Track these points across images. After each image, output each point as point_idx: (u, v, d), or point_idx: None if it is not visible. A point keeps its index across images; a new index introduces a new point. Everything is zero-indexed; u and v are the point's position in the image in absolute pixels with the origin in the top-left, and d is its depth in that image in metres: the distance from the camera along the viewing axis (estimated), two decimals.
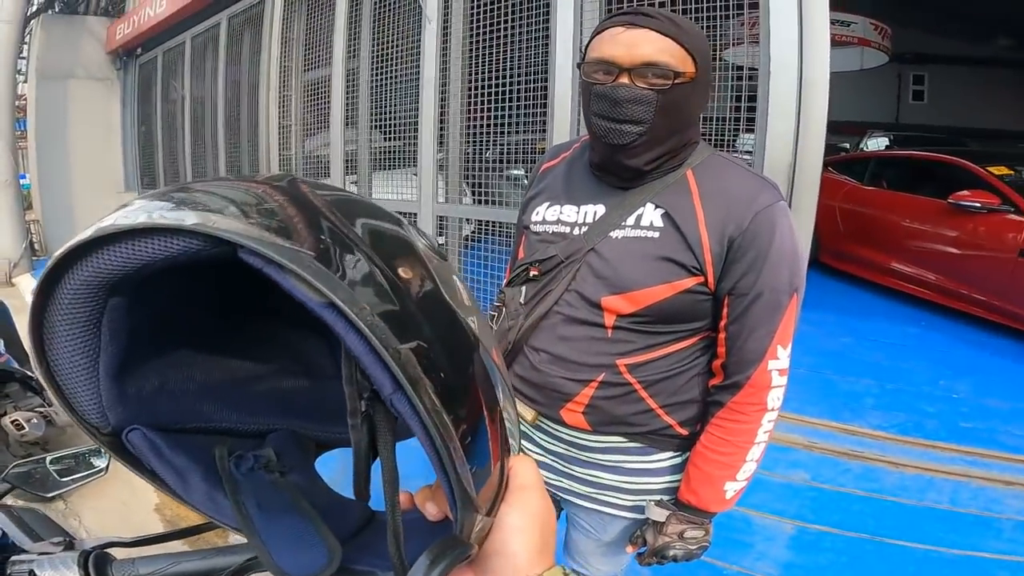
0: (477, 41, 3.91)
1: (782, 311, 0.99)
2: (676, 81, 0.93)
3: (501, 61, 3.80)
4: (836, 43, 2.70)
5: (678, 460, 1.15)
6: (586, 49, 1.01)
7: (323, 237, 0.30)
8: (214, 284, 0.41)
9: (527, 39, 3.66)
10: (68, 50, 8.69)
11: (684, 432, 1.11)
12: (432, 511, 0.41)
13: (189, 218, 0.28)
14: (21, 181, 8.17)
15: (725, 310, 1.01)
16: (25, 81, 9.11)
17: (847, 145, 8.98)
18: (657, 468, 1.15)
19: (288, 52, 5.67)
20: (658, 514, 1.12)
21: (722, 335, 1.03)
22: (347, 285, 0.28)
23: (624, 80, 0.93)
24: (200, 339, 0.44)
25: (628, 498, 1.16)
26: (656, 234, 1.00)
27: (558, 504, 1.41)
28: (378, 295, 0.30)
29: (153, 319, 0.38)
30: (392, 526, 0.36)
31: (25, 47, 8.60)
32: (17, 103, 8.34)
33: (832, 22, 2.69)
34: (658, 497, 1.15)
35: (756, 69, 2.77)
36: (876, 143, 8.99)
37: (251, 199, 0.32)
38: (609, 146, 0.98)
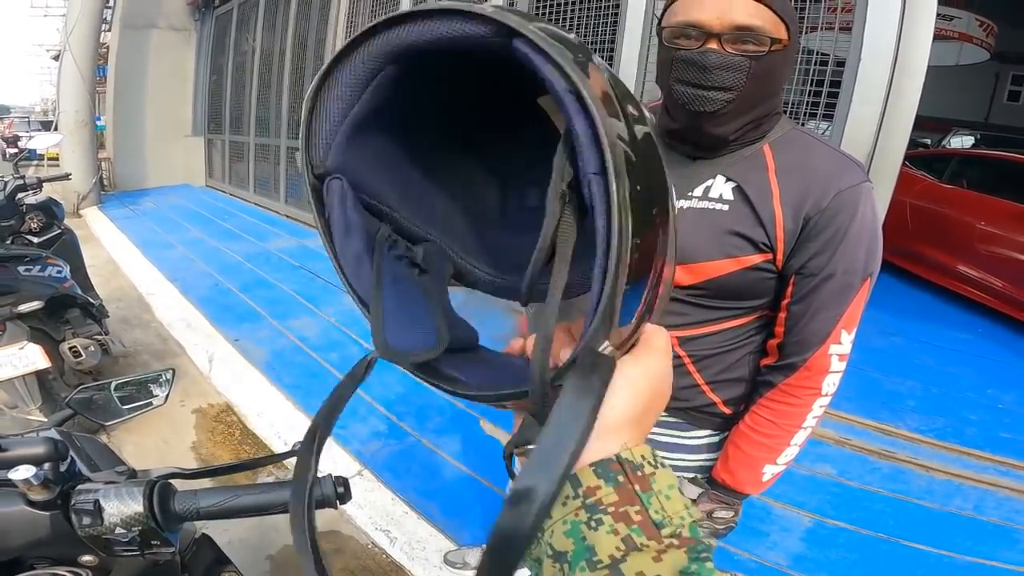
0: (542, 4, 3.86)
1: (852, 294, 0.94)
2: (772, 48, 0.85)
3: (568, 25, 3.75)
4: (935, 37, 2.61)
5: (715, 439, 1.12)
6: (664, 12, 0.93)
7: (578, 54, 0.35)
8: (445, 103, 0.49)
9: (596, 6, 3.60)
10: (152, 1, 9.00)
11: (727, 411, 1.09)
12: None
13: (487, 9, 0.34)
14: (96, 122, 8.57)
15: (790, 288, 0.96)
16: (109, 30, 9.47)
17: (928, 141, 8.58)
18: (693, 445, 1.13)
19: (356, 7, 5.70)
20: (691, 491, 1.11)
21: (782, 314, 0.98)
22: (589, 85, 0.32)
23: (713, 45, 0.86)
24: (415, 140, 0.50)
25: None
26: (725, 207, 0.95)
27: None
28: (607, 103, 0.33)
29: (398, 103, 0.45)
30: (544, 331, 0.35)
31: None
32: (100, 51, 8.71)
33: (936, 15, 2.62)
34: (691, 475, 1.13)
35: (828, 55, 2.73)
36: (961, 141, 8.53)
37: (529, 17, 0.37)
38: (693, 113, 0.90)
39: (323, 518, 2.22)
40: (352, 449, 2.58)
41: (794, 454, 1.04)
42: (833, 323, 0.94)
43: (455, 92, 0.48)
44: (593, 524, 0.31)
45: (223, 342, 3.69)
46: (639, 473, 0.32)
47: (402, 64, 0.41)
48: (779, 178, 0.93)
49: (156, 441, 2.73)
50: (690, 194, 0.97)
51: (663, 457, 1.10)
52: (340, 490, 0.79)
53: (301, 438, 0.89)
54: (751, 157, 0.95)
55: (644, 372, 0.36)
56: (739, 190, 0.94)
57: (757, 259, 0.95)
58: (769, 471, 1.04)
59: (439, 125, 0.51)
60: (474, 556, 1.93)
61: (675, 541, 0.30)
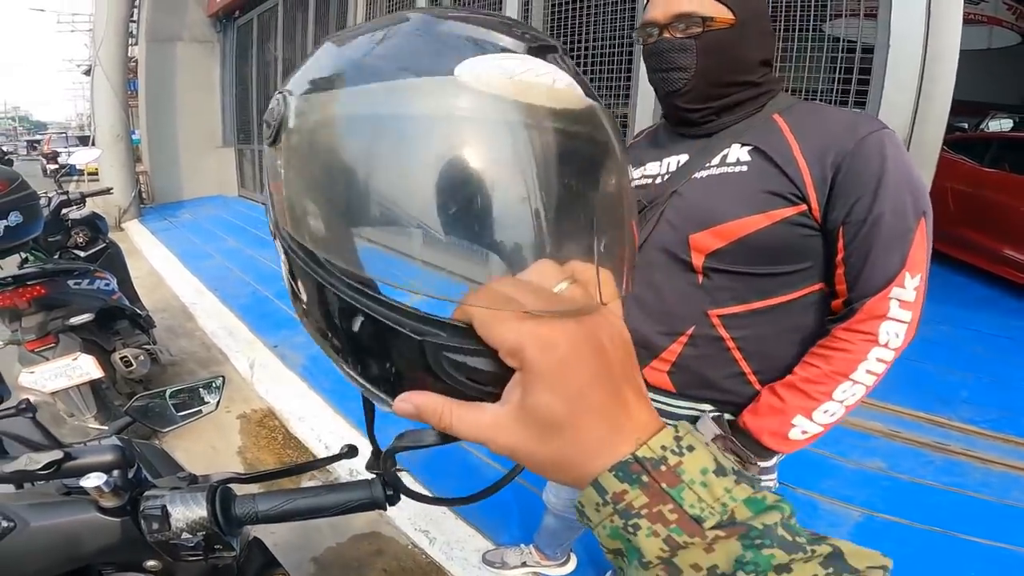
0: (561, 4, 3.85)
1: (910, 235, 0.90)
2: (708, 27, 0.96)
3: (583, 26, 3.74)
4: (963, 21, 2.54)
5: None
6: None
7: None
8: None
9: (611, 4, 3.57)
10: (174, 14, 9.27)
11: None
12: None
13: None
14: (132, 136, 8.82)
15: (840, 241, 0.94)
16: (136, 44, 9.73)
17: (965, 125, 8.35)
18: None
19: (373, 13, 5.76)
20: (707, 429, 1.01)
21: (840, 270, 0.95)
22: None
23: (665, 35, 1.00)
24: None
25: None
26: (744, 168, 0.98)
27: None
28: None
29: None
30: None
31: (135, 11, 9.17)
32: (129, 65, 8.95)
33: None
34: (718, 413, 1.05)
35: (855, 41, 2.69)
36: (999, 125, 8.29)
37: None
38: (665, 94, 1.04)
39: (363, 520, 2.25)
40: None
41: (836, 412, 0.95)
42: (897, 265, 0.91)
43: None
44: (631, 529, 0.29)
45: (263, 348, 3.77)
46: (662, 468, 0.29)
47: None
48: (796, 135, 0.96)
49: (204, 447, 2.79)
50: (707, 164, 1.02)
51: None
52: (390, 492, 0.80)
53: (344, 442, 0.89)
54: (762, 124, 1.00)
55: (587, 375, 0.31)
56: (756, 151, 0.98)
57: (789, 212, 0.94)
58: (800, 426, 0.95)
59: None
60: (512, 556, 1.93)
61: (721, 532, 0.28)
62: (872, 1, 2.67)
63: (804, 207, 0.94)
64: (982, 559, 1.93)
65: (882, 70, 2.60)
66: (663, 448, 0.30)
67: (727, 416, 1.05)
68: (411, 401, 0.35)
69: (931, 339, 3.50)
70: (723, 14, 0.96)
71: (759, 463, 1.01)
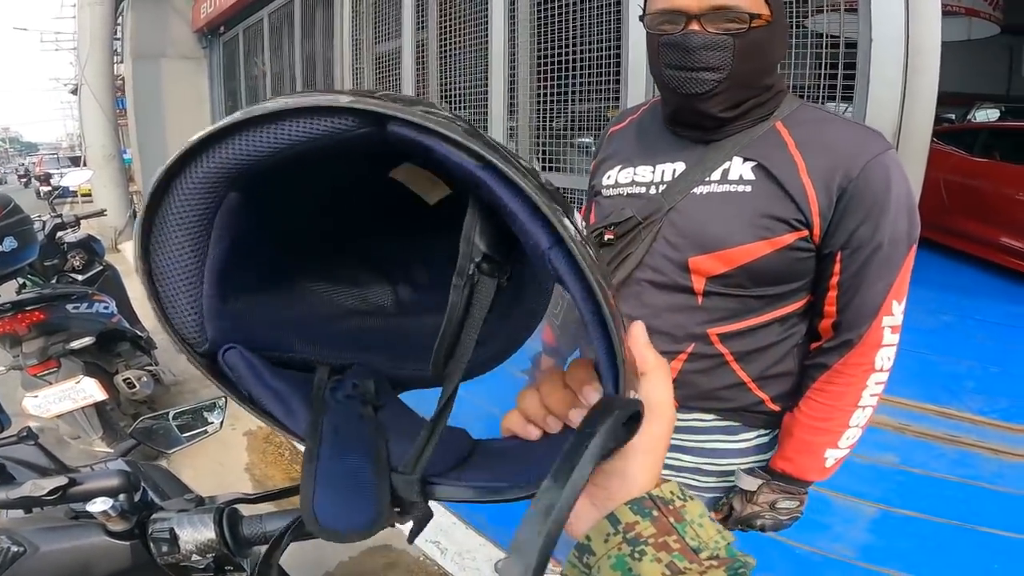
0: (546, 7, 3.85)
1: (900, 263, 0.91)
2: (753, 24, 0.86)
3: (570, 28, 3.74)
4: (943, 12, 2.57)
5: (765, 440, 1.08)
6: (646, 1, 0.94)
7: (466, 126, 0.31)
8: (316, 212, 0.44)
9: (597, 4, 3.58)
10: (158, 30, 9.24)
11: (775, 408, 1.05)
12: (590, 395, 0.38)
13: (343, 99, 0.29)
14: (123, 156, 8.79)
15: (837, 266, 0.93)
16: (121, 62, 9.71)
17: (952, 116, 8.48)
18: (742, 448, 1.09)
19: (359, 25, 5.77)
20: (748, 483, 1.06)
21: (832, 293, 0.95)
22: (499, 152, 0.29)
23: (695, 27, 0.86)
24: (292, 269, 0.45)
25: (709, 480, 1.11)
26: (748, 188, 0.92)
27: None
28: (525, 168, 0.30)
29: (258, 229, 0.38)
30: (441, 407, 0.37)
31: (119, 28, 9.16)
32: (116, 83, 8.94)
33: None
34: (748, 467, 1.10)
35: (838, 36, 2.69)
36: (986, 115, 8.41)
37: (395, 94, 0.33)
38: (685, 96, 0.91)
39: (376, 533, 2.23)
40: None
41: (857, 436, 1.00)
42: (884, 294, 0.92)
43: (301, 194, 0.41)
44: (637, 555, 0.33)
45: None
46: (671, 507, 0.35)
47: (245, 188, 0.34)
48: (801, 151, 0.91)
49: (213, 465, 2.77)
50: (708, 179, 0.96)
51: (711, 463, 1.08)
52: (397, 509, 0.79)
53: None
54: (766, 135, 0.94)
55: (652, 436, 0.37)
56: (760, 168, 0.92)
57: (791, 238, 0.92)
58: (832, 455, 1.01)
59: (297, 234, 0.44)
60: None
61: (714, 562, 0.33)
62: None
63: (806, 232, 0.92)
64: (1001, 551, 1.92)
65: (866, 65, 2.60)
66: (672, 493, 0.36)
67: (758, 467, 1.09)
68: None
69: (935, 330, 3.50)
70: (763, 9, 0.87)
71: (806, 490, 1.07)
